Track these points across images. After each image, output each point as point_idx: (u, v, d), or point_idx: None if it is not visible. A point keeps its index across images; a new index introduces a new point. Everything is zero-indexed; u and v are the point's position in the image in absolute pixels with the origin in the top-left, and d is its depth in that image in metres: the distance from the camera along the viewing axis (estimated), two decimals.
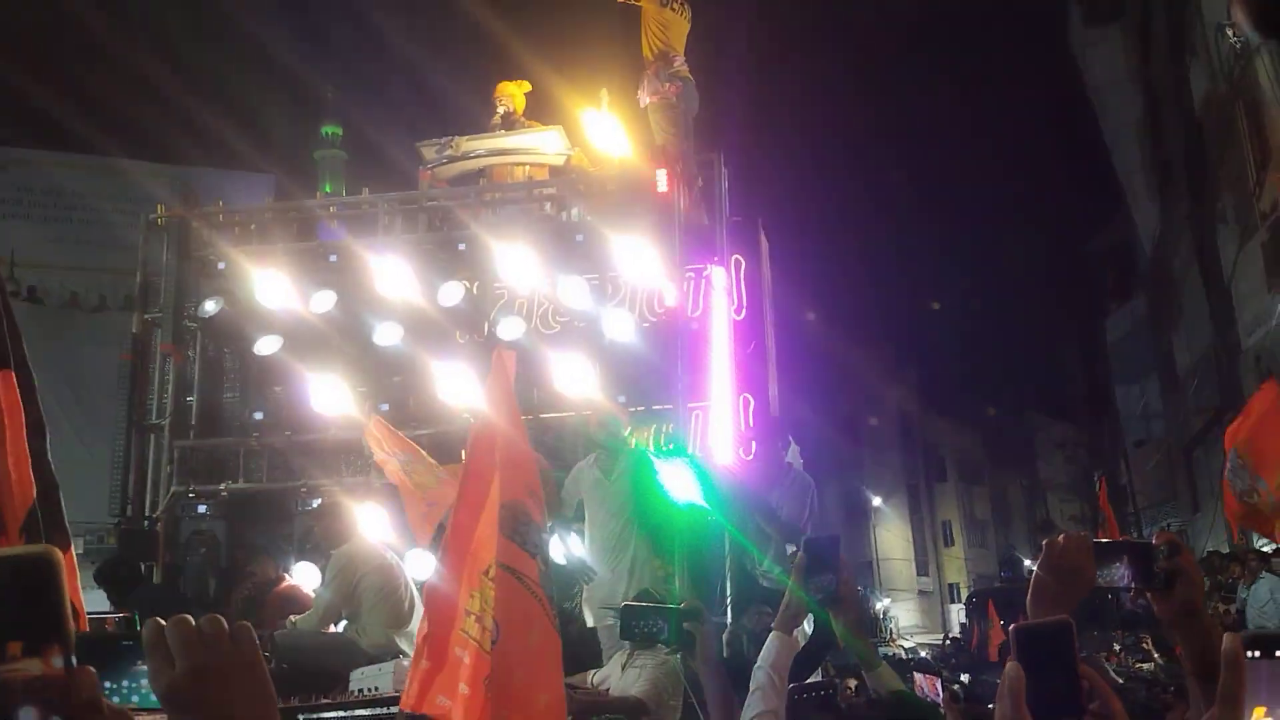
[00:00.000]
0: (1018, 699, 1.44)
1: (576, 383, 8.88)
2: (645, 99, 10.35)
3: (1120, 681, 9.54)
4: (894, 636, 34.59)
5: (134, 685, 1.77)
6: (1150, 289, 32.16)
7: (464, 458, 3.26)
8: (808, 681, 5.54)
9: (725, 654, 7.72)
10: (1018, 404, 53.22)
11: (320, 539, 7.60)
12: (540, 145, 10.92)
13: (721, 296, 9.85)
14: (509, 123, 11.15)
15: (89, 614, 4.56)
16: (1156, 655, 12.90)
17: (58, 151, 24.58)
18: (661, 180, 9.50)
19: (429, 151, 11.00)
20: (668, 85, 10.19)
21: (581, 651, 6.88)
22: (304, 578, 8.11)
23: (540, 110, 11.46)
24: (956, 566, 50.99)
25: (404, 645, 6.66)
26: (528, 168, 10.96)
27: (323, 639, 6.96)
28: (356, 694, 5.92)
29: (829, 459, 36.07)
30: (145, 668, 1.40)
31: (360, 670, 6.16)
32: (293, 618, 7.34)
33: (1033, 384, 54.82)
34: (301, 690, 5.82)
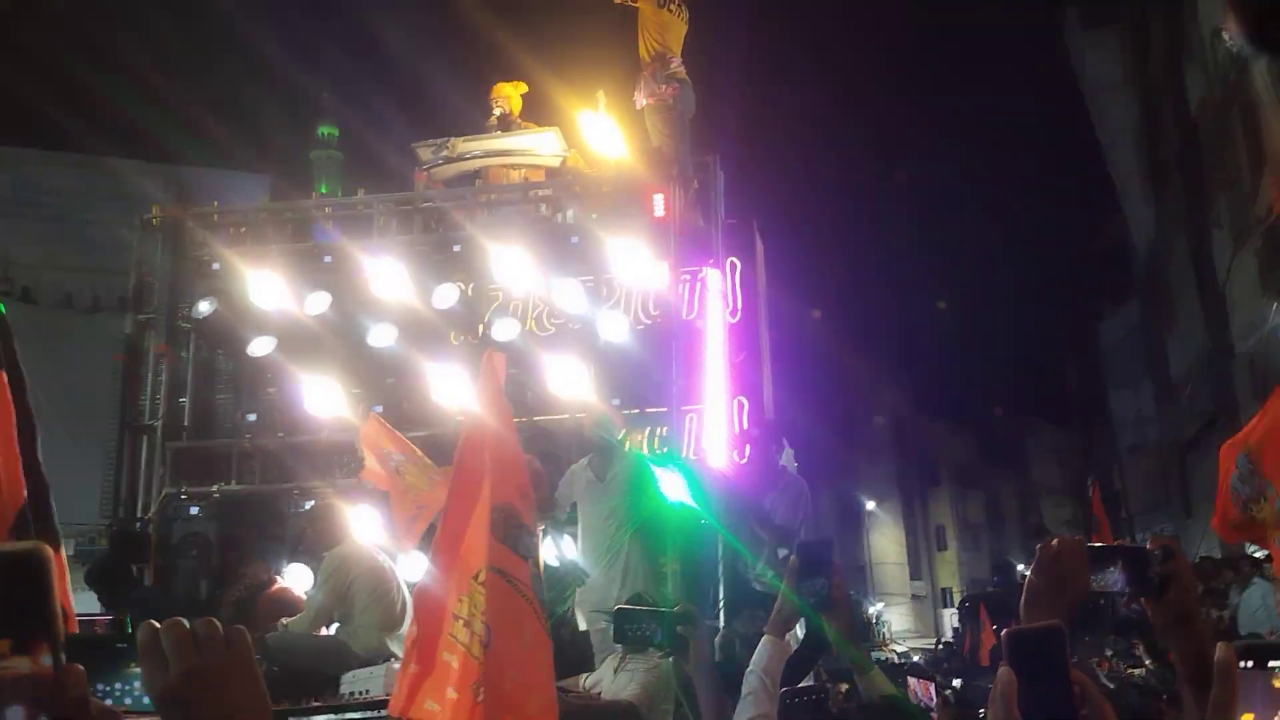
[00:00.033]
0: (1010, 704, 1.43)
1: (571, 385, 8.87)
2: (642, 100, 10.33)
3: (1111, 687, 9.55)
4: (887, 641, 34.60)
5: (127, 688, 1.76)
6: (1145, 293, 32.19)
7: (454, 460, 3.25)
8: (800, 686, 5.54)
9: (718, 658, 7.71)
10: (1011, 408, 53.32)
11: (313, 541, 7.59)
12: (536, 147, 10.92)
13: (717, 299, 9.84)
14: (505, 124, 11.14)
15: (79, 616, 4.54)
16: (1148, 661, 12.90)
17: (52, 151, 24.54)
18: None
19: (425, 152, 10.99)
20: (664, 87, 10.18)
21: (574, 655, 6.88)
22: (296, 580, 8.09)
23: (537, 112, 11.46)
24: (950, 571, 51.05)
25: (396, 648, 6.64)
26: (524, 170, 10.95)
27: (314, 641, 6.94)
28: (348, 697, 5.91)
29: (823, 463, 36.06)
30: (139, 670, 1.39)
31: (352, 673, 6.15)
32: (284, 620, 7.33)
33: (1027, 388, 54.99)
34: (293, 693, 5.81)
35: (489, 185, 10.76)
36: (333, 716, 5.72)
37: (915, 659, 24.09)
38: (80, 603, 8.13)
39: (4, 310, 2.90)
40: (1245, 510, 5.01)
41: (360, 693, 5.86)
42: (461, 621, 2.87)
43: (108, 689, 1.77)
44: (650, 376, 9.18)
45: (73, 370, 20.09)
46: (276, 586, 8.02)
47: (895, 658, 24.80)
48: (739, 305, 10.44)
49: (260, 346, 9.58)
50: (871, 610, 38.67)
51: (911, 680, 8.12)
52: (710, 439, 9.16)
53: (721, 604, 8.65)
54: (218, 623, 1.39)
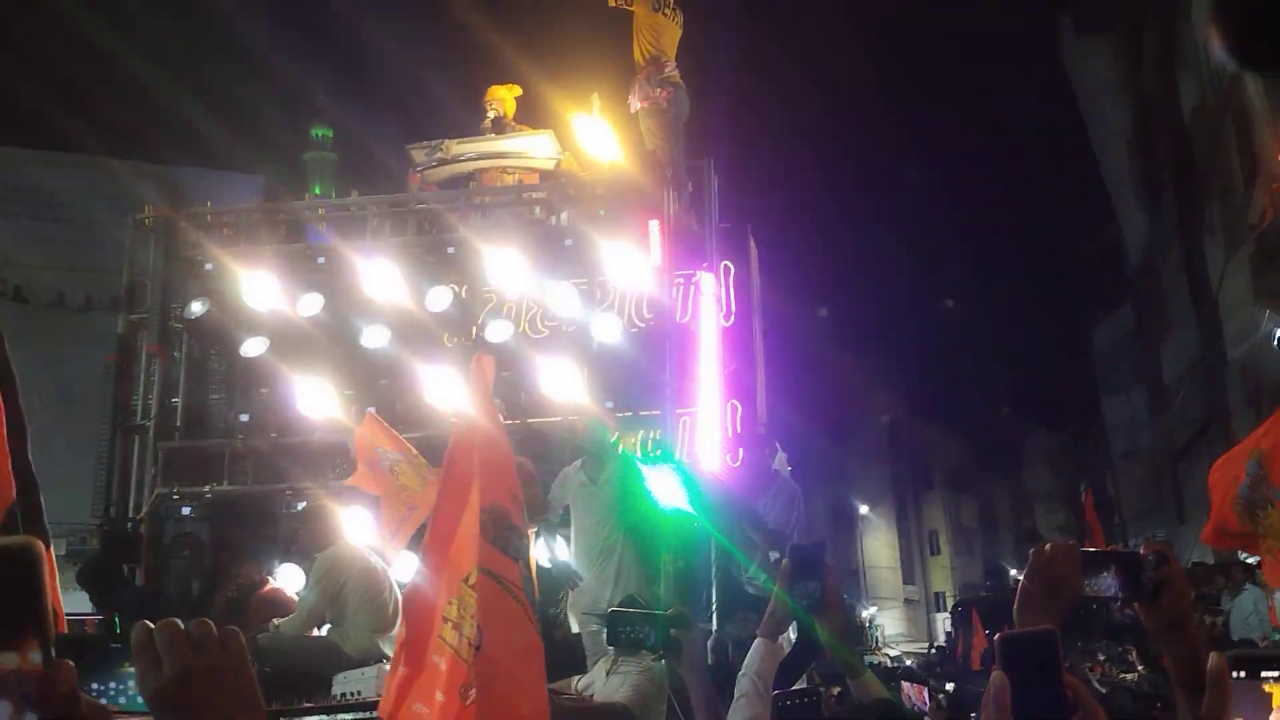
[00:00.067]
0: (1003, 707, 1.43)
1: (564, 387, 8.87)
2: (636, 104, 10.34)
3: (1103, 691, 9.55)
4: (879, 645, 34.62)
5: (121, 687, 1.76)
6: (1138, 299, 32.28)
7: (444, 462, 3.24)
8: (792, 689, 5.53)
9: (710, 660, 7.70)
10: (1005, 414, 53.36)
11: (305, 542, 7.58)
12: (531, 149, 10.91)
13: (710, 303, 9.85)
14: (499, 127, 11.14)
15: (69, 615, 4.53)
16: (1140, 666, 12.91)
17: (45, 151, 24.51)
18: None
19: (419, 154, 10.99)
20: (659, 90, 10.18)
21: (566, 657, 6.86)
22: (288, 580, 8.08)
23: (531, 115, 11.46)
24: (943, 575, 51.07)
25: (387, 649, 6.63)
26: (518, 172, 10.94)
27: (306, 643, 6.93)
28: (339, 698, 5.90)
29: (816, 466, 36.07)
30: (132, 670, 1.39)
31: (343, 674, 6.15)
32: (276, 621, 7.31)
33: (1020, 394, 54.99)
34: (284, 694, 5.80)
35: (483, 187, 10.75)
36: (324, 717, 5.71)
37: (908, 663, 24.08)
38: (72, 602, 8.13)
39: None
40: (1250, 516, 4.98)
41: (352, 694, 5.85)
42: (450, 624, 2.86)
43: (102, 688, 1.77)
44: (643, 379, 9.18)
45: (65, 370, 20.08)
46: (268, 587, 8.01)
47: (888, 662, 24.80)
48: (732, 308, 10.45)
49: (253, 347, 9.56)
50: (864, 614, 38.67)
51: (905, 685, 8.11)
52: (703, 442, 9.16)
53: (714, 607, 8.65)
54: (212, 624, 1.39)
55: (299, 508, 8.97)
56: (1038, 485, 53.50)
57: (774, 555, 8.16)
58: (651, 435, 8.95)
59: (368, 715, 5.45)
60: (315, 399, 9.22)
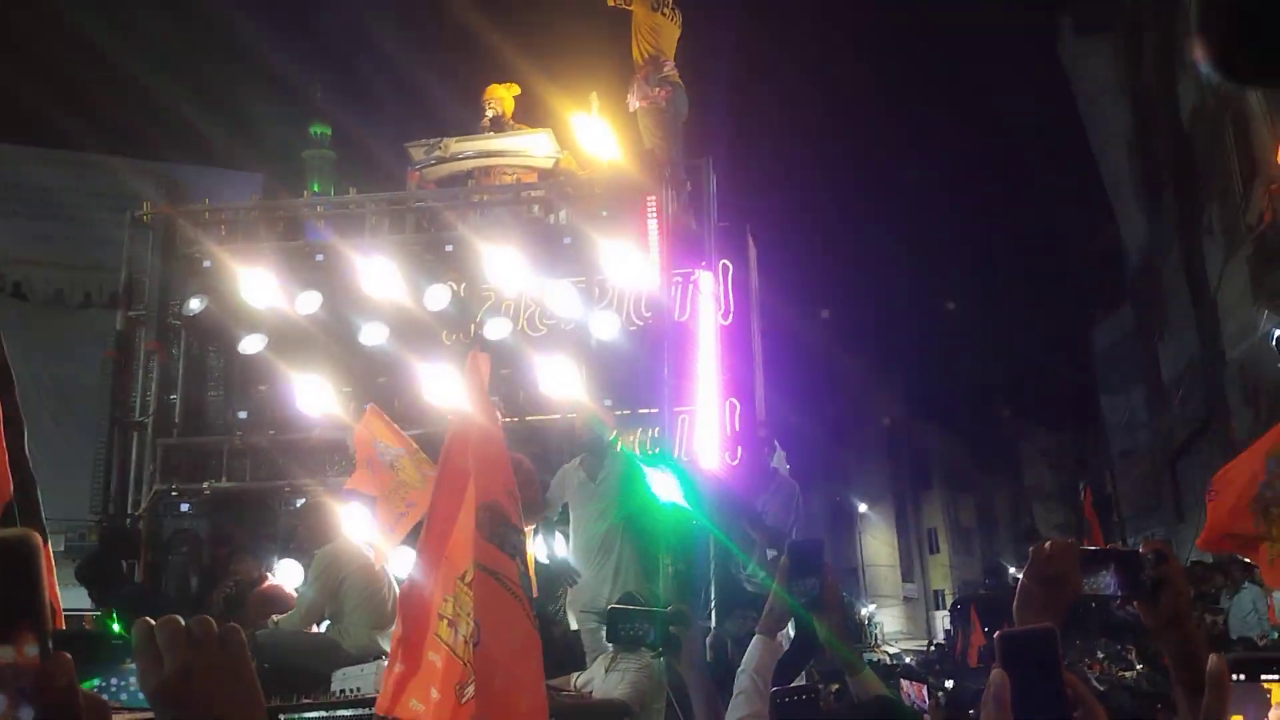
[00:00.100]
0: (1003, 705, 1.43)
1: (563, 385, 8.87)
2: (635, 103, 10.33)
3: (1101, 689, 9.55)
4: (879, 643, 34.64)
5: (122, 684, 1.76)
6: (1137, 299, 32.28)
7: (439, 460, 3.24)
8: (791, 686, 5.53)
9: (709, 657, 7.71)
10: (1004, 412, 53.35)
11: (303, 539, 7.59)
12: (529, 148, 10.91)
13: (709, 301, 9.85)
14: (498, 125, 11.14)
15: (67, 611, 4.53)
16: (1138, 665, 12.92)
17: (44, 148, 24.48)
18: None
19: (417, 152, 10.98)
20: (657, 90, 10.18)
21: (565, 654, 6.87)
22: (287, 576, 8.08)
23: (529, 113, 11.45)
24: (942, 573, 51.07)
25: (386, 646, 6.62)
26: (516, 171, 10.94)
27: (305, 639, 6.94)
28: (338, 694, 5.90)
29: (815, 465, 36.11)
30: (133, 667, 1.39)
31: (342, 671, 6.15)
32: (275, 617, 7.32)
33: (1019, 393, 54.96)
34: (283, 690, 5.80)
35: (481, 186, 10.75)
36: (323, 714, 5.71)
37: (907, 660, 24.10)
38: (70, 599, 8.12)
39: None
40: (1265, 514, 4.96)
41: (351, 690, 5.85)
42: (446, 621, 2.86)
43: (103, 685, 1.77)
44: (642, 378, 9.18)
45: (63, 366, 20.07)
46: (267, 584, 8.01)
47: (887, 659, 24.80)
48: (731, 307, 10.46)
49: (251, 344, 9.56)
50: (864, 612, 38.69)
51: (904, 683, 8.11)
52: (702, 440, 9.17)
53: (713, 604, 8.65)
54: (212, 621, 1.39)
55: (297, 504, 8.99)
56: (1036, 484, 53.48)
57: (772, 553, 8.17)
58: (650, 433, 8.96)
59: (366, 711, 5.45)
60: (313, 396, 9.22)
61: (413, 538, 6.68)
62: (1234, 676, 1.39)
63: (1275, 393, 18.86)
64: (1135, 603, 2.20)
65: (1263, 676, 1.39)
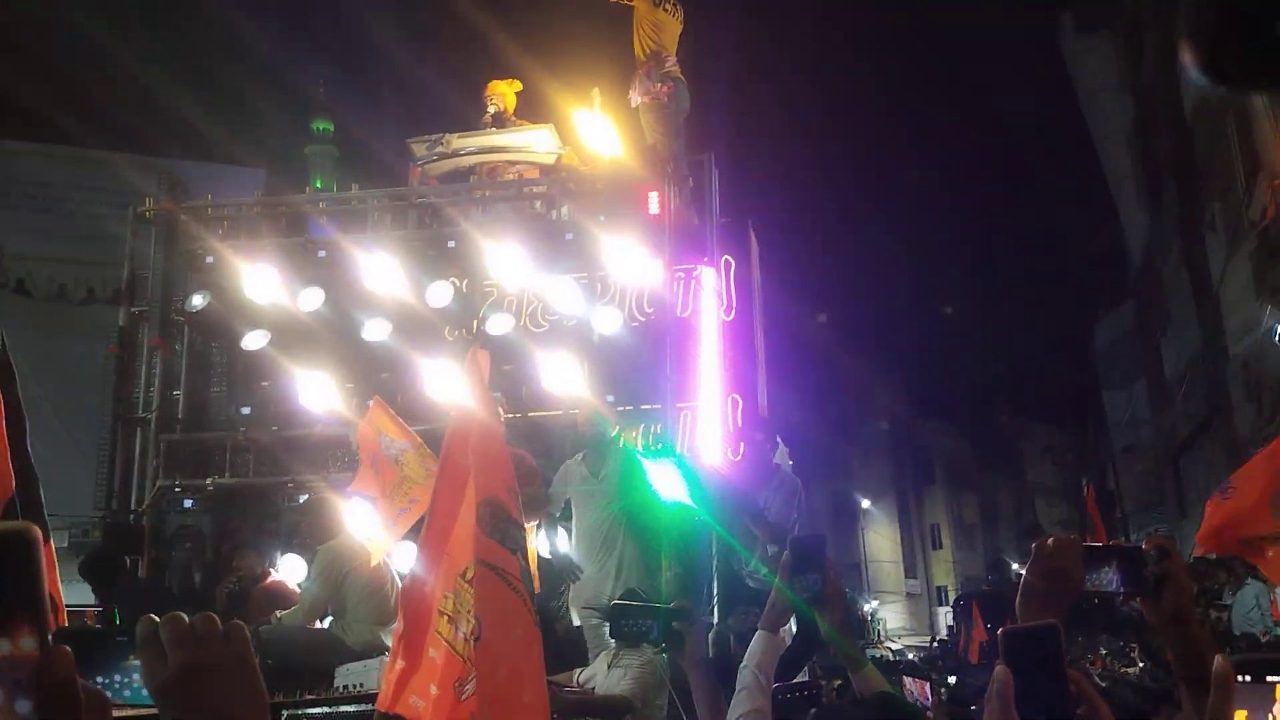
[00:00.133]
0: (1007, 702, 1.43)
1: (565, 381, 8.87)
2: (636, 99, 10.32)
3: (1103, 685, 9.54)
4: (881, 639, 34.63)
5: (125, 680, 1.76)
6: (1139, 296, 32.26)
7: (440, 456, 3.24)
8: (793, 682, 5.54)
9: (711, 653, 7.71)
10: (1007, 409, 53.34)
11: (306, 535, 7.59)
12: (531, 143, 10.91)
13: (711, 297, 9.84)
14: (500, 121, 11.13)
15: (70, 606, 4.53)
16: (1140, 661, 12.92)
17: (46, 144, 24.47)
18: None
19: (420, 148, 10.98)
20: (659, 85, 10.17)
21: (567, 650, 6.88)
22: (290, 571, 8.09)
23: (532, 109, 11.44)
24: (944, 569, 51.11)
25: (389, 642, 6.62)
26: (518, 167, 10.94)
27: (308, 635, 6.94)
28: (341, 690, 5.91)
29: (818, 461, 36.08)
30: (136, 663, 1.39)
31: (345, 667, 6.15)
32: (278, 613, 7.32)
33: (1022, 389, 54.97)
34: (286, 686, 5.80)
35: (483, 182, 10.75)
36: (326, 710, 5.72)
37: (910, 657, 24.10)
38: (73, 594, 8.14)
39: None
40: None
41: (354, 686, 5.86)
42: (446, 617, 2.86)
43: (106, 681, 1.77)
44: (644, 373, 9.18)
45: (67, 362, 20.06)
46: (270, 579, 8.02)
47: (890, 655, 24.81)
48: (733, 303, 10.44)
49: (254, 340, 9.57)
50: (866, 608, 38.70)
51: (907, 680, 8.11)
52: (704, 436, 9.16)
53: (715, 600, 8.65)
54: (216, 618, 1.39)
55: (300, 500, 8.99)
56: (1039, 480, 53.51)
57: (773, 549, 8.16)
58: (652, 429, 8.96)
59: (369, 707, 5.45)
60: (316, 392, 9.22)
61: (414, 533, 6.69)
62: (1239, 678, 1.39)
63: (1278, 388, 18.85)
64: (1138, 599, 2.20)
65: (1269, 678, 1.39)
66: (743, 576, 8.59)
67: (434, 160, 10.94)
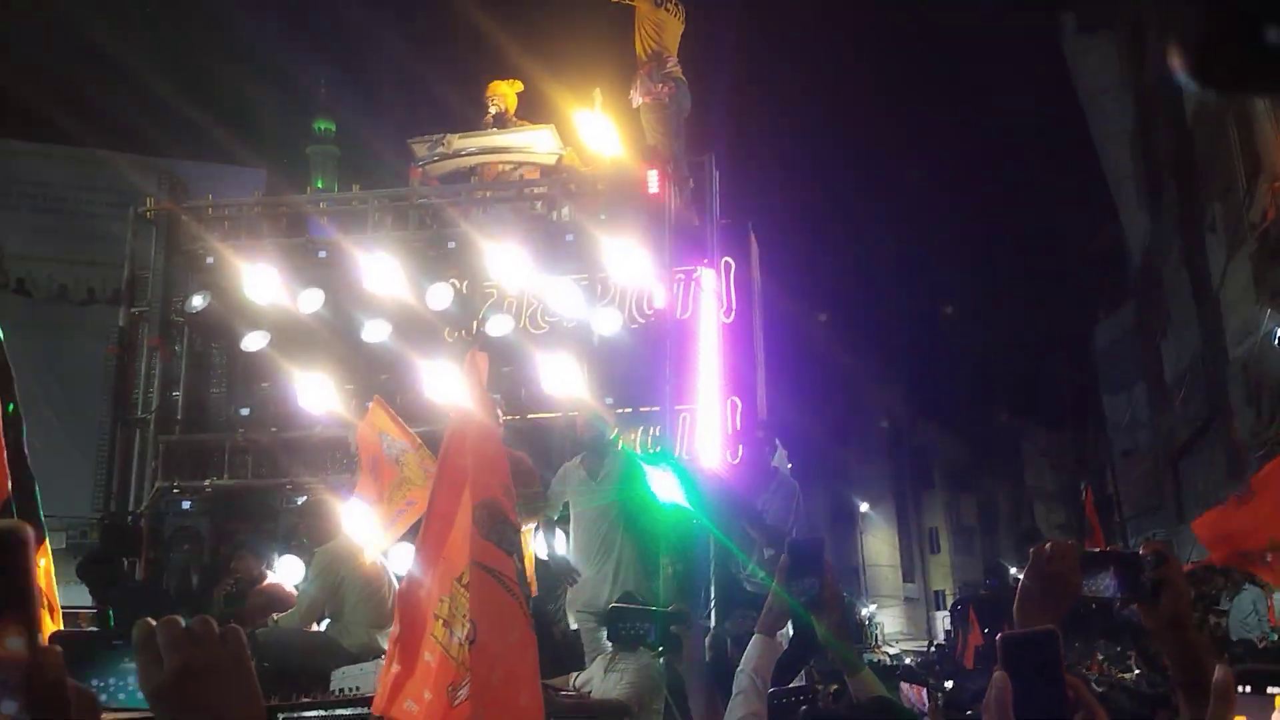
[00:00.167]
0: (1005, 707, 1.43)
1: (564, 383, 8.87)
2: (638, 99, 10.33)
3: (1100, 690, 9.53)
4: (879, 643, 34.62)
5: (120, 684, 1.76)
6: (1139, 298, 32.23)
7: (438, 458, 3.24)
8: (789, 686, 5.53)
9: (709, 657, 7.71)
10: (1006, 412, 53.32)
11: (305, 537, 7.58)
12: (532, 144, 10.91)
13: (711, 299, 9.84)
14: (501, 122, 11.13)
15: (67, 608, 4.53)
16: (1136, 667, 12.89)
17: (47, 144, 24.47)
18: (652, 181, 9.49)
19: (420, 148, 10.98)
20: (660, 86, 10.18)
21: (564, 653, 6.87)
22: (288, 572, 8.08)
23: (533, 109, 11.45)
24: (943, 574, 51.08)
25: (386, 645, 6.62)
26: (519, 168, 10.93)
27: (305, 637, 6.93)
28: (337, 693, 5.90)
29: (817, 464, 36.07)
30: (132, 667, 1.39)
31: (342, 670, 6.13)
32: (275, 615, 7.31)
33: (1021, 392, 54.92)
34: (283, 689, 5.79)
35: (484, 182, 10.75)
36: (322, 713, 5.70)
37: (907, 661, 24.09)
38: (71, 596, 8.12)
39: None
40: None
41: (350, 689, 5.84)
42: (441, 621, 2.86)
43: (101, 684, 1.76)
44: (643, 375, 9.17)
45: (68, 363, 20.07)
46: (267, 582, 8.00)
47: (888, 660, 24.80)
48: (733, 305, 10.44)
49: (254, 341, 9.56)
50: (864, 612, 38.67)
51: (904, 686, 8.09)
52: (703, 439, 9.16)
53: (713, 603, 8.64)
54: (213, 621, 1.39)
55: (299, 502, 8.97)
56: (1038, 483, 53.47)
57: (769, 552, 8.15)
58: (651, 431, 8.96)
59: (365, 710, 5.44)
60: (316, 393, 9.22)
61: (412, 535, 6.68)
62: (1240, 688, 1.39)
63: (1278, 391, 18.83)
64: (1135, 604, 2.19)
65: (1269, 689, 1.39)
66: (740, 580, 8.59)
67: (435, 160, 10.94)
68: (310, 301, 9.53)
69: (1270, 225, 18.02)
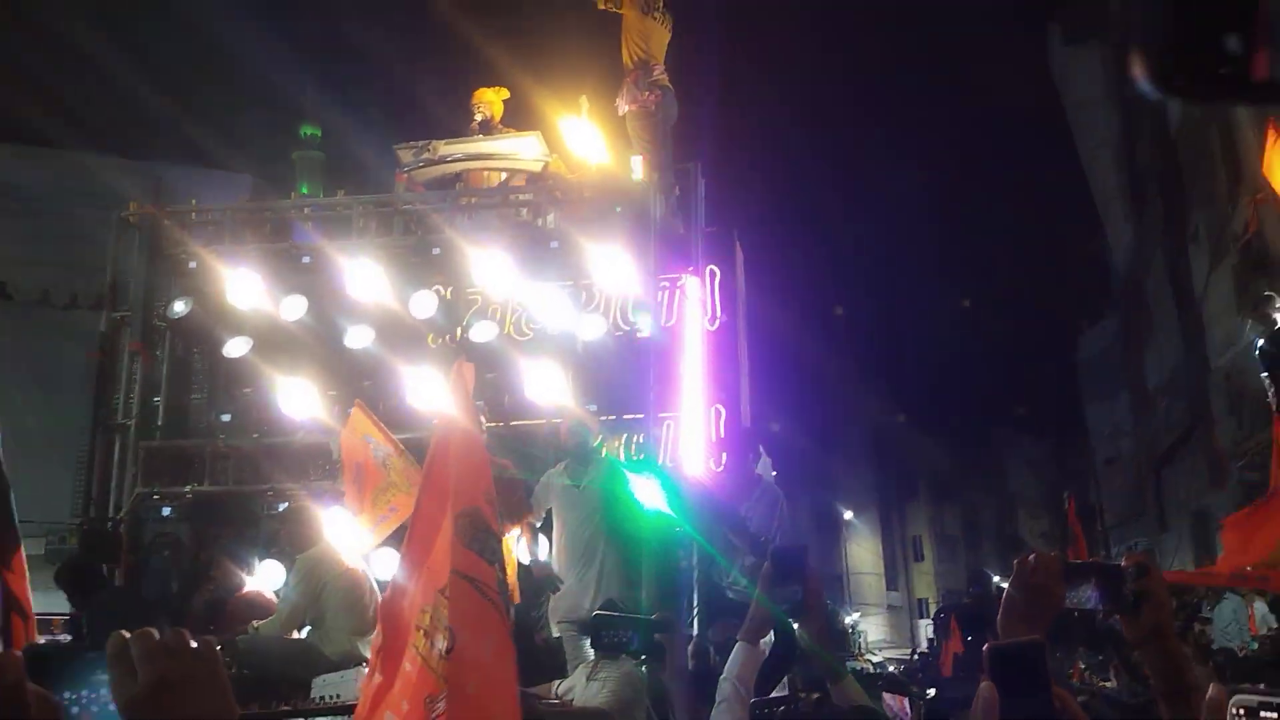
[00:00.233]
0: (992, 717, 1.42)
1: (548, 390, 8.85)
2: (624, 107, 10.34)
3: (1082, 699, 9.54)
4: (862, 651, 34.60)
5: (93, 695, 1.74)
6: (1123, 308, 32.38)
7: (424, 468, 3.22)
8: (771, 696, 5.53)
9: (691, 665, 7.69)
10: (989, 420, 53.47)
11: (286, 543, 7.53)
12: (518, 151, 10.90)
13: (695, 306, 9.84)
14: (487, 129, 11.13)
15: (39, 615, 4.48)
16: (1114, 677, 12.91)
17: (30, 147, 24.39)
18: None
19: (406, 154, 10.96)
20: (647, 93, 10.19)
21: (546, 661, 6.85)
22: (268, 578, 8.04)
23: (519, 117, 11.44)
24: (926, 582, 51.17)
25: (367, 652, 6.58)
26: (504, 174, 10.92)
27: (285, 645, 6.88)
28: (318, 701, 5.86)
29: (800, 472, 36.04)
30: (105, 679, 1.38)
31: (322, 677, 6.10)
32: (255, 623, 7.27)
33: (1005, 401, 55.06)
34: (263, 697, 5.76)
35: (469, 189, 10.73)
36: None
37: (890, 669, 24.08)
38: (50, 603, 8.06)
39: None
40: None
41: (331, 697, 5.81)
42: (422, 631, 2.84)
43: (73, 696, 1.75)
44: (627, 382, 9.16)
45: (49, 367, 19.98)
46: (247, 589, 7.96)
47: (871, 667, 24.78)
48: (718, 312, 10.44)
49: (236, 347, 9.52)
50: (848, 620, 38.65)
51: (886, 696, 8.08)
52: (686, 446, 9.15)
53: (696, 611, 8.64)
54: (186, 633, 1.39)
55: (280, 508, 8.92)
56: (1022, 492, 53.59)
57: (750, 560, 8.15)
58: (635, 439, 8.94)
59: (346, 718, 5.41)
60: (298, 399, 9.18)
61: (395, 540, 6.65)
62: (1234, 712, 1.39)
63: (1259, 401, 18.92)
64: (1117, 615, 2.19)
65: (1263, 715, 1.39)
66: (723, 587, 8.59)
67: (420, 167, 10.92)
68: (293, 307, 9.50)
69: (1252, 237, 18.12)
